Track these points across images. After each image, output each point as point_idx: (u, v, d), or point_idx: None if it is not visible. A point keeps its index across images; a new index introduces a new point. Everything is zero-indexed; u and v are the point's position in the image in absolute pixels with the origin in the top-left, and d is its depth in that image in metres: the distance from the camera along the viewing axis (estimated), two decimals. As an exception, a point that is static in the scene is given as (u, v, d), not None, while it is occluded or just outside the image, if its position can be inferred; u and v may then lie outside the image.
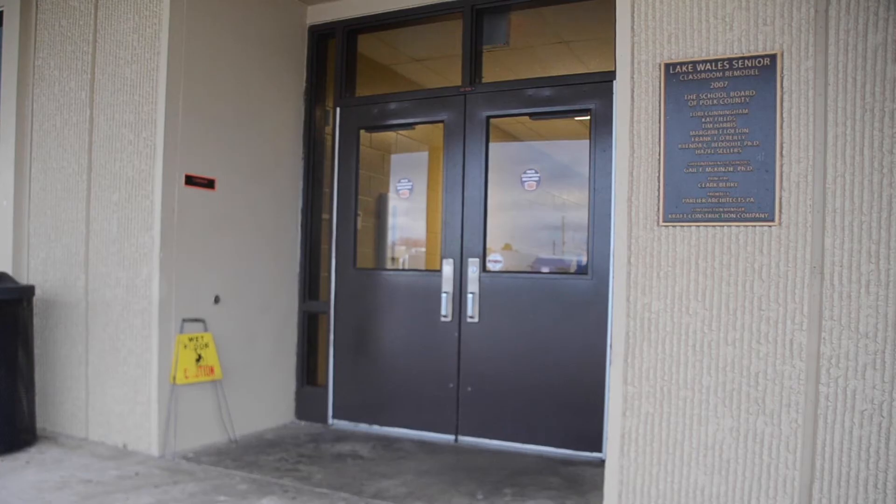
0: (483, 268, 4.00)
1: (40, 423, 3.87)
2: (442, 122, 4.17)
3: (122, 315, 3.73)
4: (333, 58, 4.55)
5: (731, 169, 2.63)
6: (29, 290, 3.72)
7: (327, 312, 4.45)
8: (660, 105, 2.74)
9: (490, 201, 4.09)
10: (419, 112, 4.30)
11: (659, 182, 2.74)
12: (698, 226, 2.67)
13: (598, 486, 2.97)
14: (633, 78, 2.79)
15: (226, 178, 3.95)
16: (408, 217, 4.82)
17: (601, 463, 3.36)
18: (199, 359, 3.71)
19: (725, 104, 2.65)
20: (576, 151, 4.38)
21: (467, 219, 4.07)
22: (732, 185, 2.62)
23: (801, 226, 2.51)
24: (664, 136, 2.73)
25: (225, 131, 3.95)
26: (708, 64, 2.67)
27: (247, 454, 3.67)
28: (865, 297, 2.40)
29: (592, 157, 3.74)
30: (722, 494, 2.61)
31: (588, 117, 3.80)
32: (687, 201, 2.69)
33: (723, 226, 2.63)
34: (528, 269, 4.22)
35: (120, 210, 3.77)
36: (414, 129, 4.64)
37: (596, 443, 3.68)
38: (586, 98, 3.78)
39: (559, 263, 4.28)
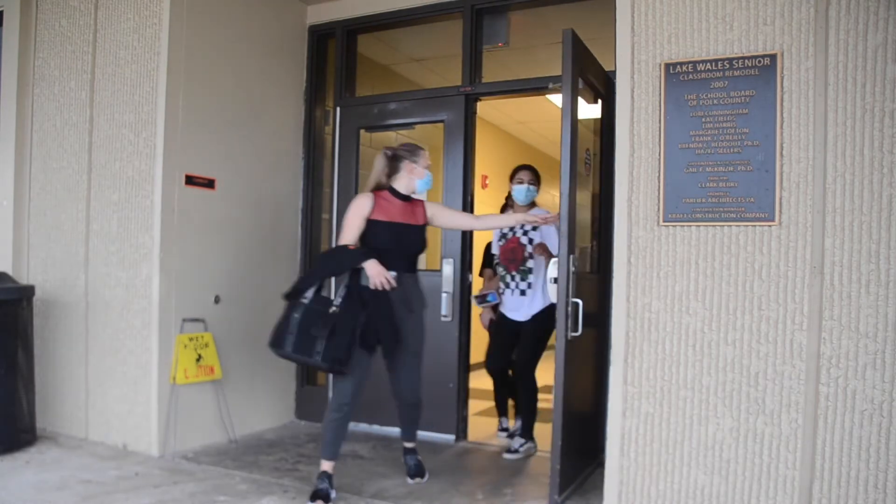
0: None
1: (40, 423, 3.87)
2: (442, 122, 4.17)
3: (122, 315, 3.73)
4: (333, 58, 4.55)
5: (731, 169, 2.63)
6: (29, 290, 3.72)
7: (327, 312, 4.45)
8: (660, 105, 2.74)
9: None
10: (419, 112, 4.29)
11: (659, 182, 2.74)
12: (698, 226, 2.68)
13: (598, 486, 2.97)
14: (633, 78, 2.80)
15: (226, 178, 3.95)
16: (408, 217, 4.81)
17: (601, 463, 3.36)
18: (199, 359, 3.71)
19: (725, 104, 2.65)
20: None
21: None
22: (732, 185, 2.62)
23: (801, 226, 2.51)
24: (664, 136, 2.73)
25: (225, 131, 3.95)
26: (708, 64, 2.67)
27: (247, 454, 3.67)
28: (865, 297, 2.40)
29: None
30: (722, 494, 2.61)
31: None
32: (687, 201, 2.69)
33: (723, 226, 2.63)
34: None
35: (120, 210, 3.77)
36: (414, 129, 4.64)
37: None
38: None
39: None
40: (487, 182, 7.08)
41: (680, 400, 2.69)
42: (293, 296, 2.92)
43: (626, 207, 2.79)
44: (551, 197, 9.37)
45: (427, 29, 4.49)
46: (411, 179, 3.15)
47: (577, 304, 2.83)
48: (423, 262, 4.85)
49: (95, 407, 3.82)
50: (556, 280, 2.89)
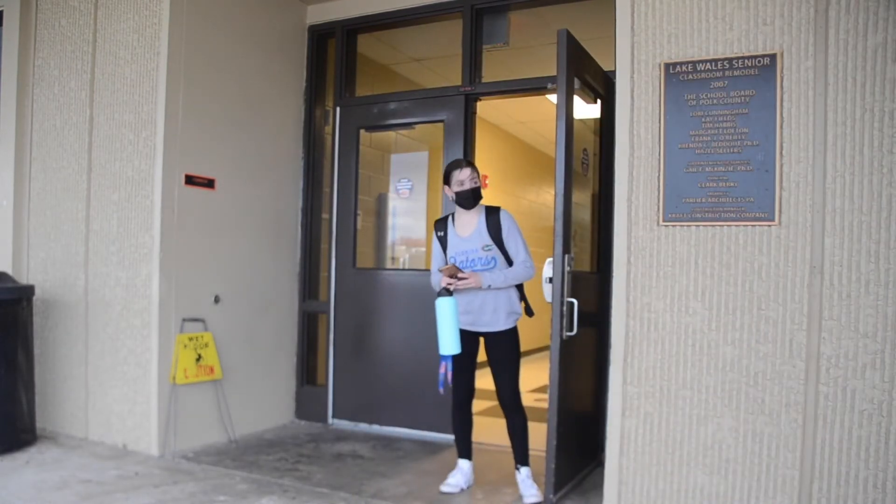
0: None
1: (40, 423, 3.87)
2: (442, 121, 4.17)
3: (121, 315, 3.73)
4: (333, 58, 4.55)
5: (730, 169, 2.63)
6: (29, 290, 3.72)
7: (327, 312, 4.45)
8: (660, 105, 2.74)
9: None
10: (419, 112, 4.29)
11: (659, 182, 2.74)
12: (698, 225, 2.68)
13: (598, 485, 2.97)
14: (632, 78, 2.80)
15: (226, 178, 3.95)
16: (408, 217, 4.82)
17: (601, 462, 3.36)
18: (198, 358, 3.71)
19: (725, 104, 2.65)
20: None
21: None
22: (732, 184, 2.62)
23: (801, 226, 2.51)
24: (664, 135, 2.73)
25: (225, 131, 3.95)
26: (708, 64, 2.67)
27: (247, 454, 3.67)
28: (865, 297, 2.40)
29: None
30: (722, 494, 2.61)
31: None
32: (687, 201, 2.69)
33: (723, 225, 2.64)
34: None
35: (120, 210, 3.77)
36: (414, 129, 4.64)
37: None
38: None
39: None
40: (487, 182, 7.08)
41: (680, 400, 2.69)
42: None
43: (626, 207, 2.79)
44: (551, 196, 9.38)
45: (427, 29, 4.49)
46: None
47: (571, 303, 2.84)
48: (423, 262, 4.88)
49: (95, 407, 3.83)
50: (551, 280, 2.89)
